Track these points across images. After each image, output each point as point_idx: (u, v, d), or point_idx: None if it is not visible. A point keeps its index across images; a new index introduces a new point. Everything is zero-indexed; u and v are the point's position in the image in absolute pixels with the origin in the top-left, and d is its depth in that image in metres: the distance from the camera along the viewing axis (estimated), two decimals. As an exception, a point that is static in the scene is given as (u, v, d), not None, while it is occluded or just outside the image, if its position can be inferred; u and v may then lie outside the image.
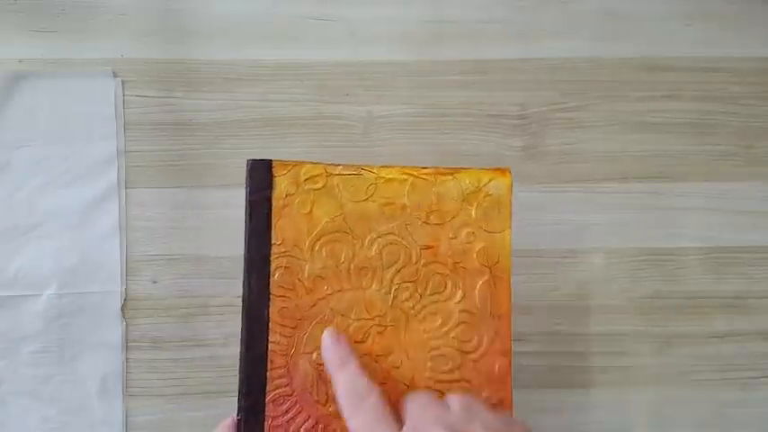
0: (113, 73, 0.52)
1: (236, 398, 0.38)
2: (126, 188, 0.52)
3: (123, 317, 0.51)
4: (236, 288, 0.51)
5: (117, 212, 0.51)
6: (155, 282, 0.51)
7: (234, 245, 0.51)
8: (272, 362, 0.38)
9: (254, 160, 0.39)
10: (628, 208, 0.53)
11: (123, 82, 0.52)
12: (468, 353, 0.39)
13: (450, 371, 0.39)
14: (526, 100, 0.54)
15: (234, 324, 0.51)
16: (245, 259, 0.38)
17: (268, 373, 0.38)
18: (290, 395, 0.38)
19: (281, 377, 0.38)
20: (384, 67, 0.53)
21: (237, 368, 0.38)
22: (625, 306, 0.53)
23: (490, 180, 0.41)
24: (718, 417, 0.52)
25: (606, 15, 0.55)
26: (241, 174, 0.52)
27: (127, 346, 0.51)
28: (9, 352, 0.50)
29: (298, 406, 0.38)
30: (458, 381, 0.39)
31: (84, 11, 0.53)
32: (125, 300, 0.51)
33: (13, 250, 0.51)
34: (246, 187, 0.39)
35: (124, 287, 0.51)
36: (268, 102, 0.53)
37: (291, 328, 0.38)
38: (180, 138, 0.52)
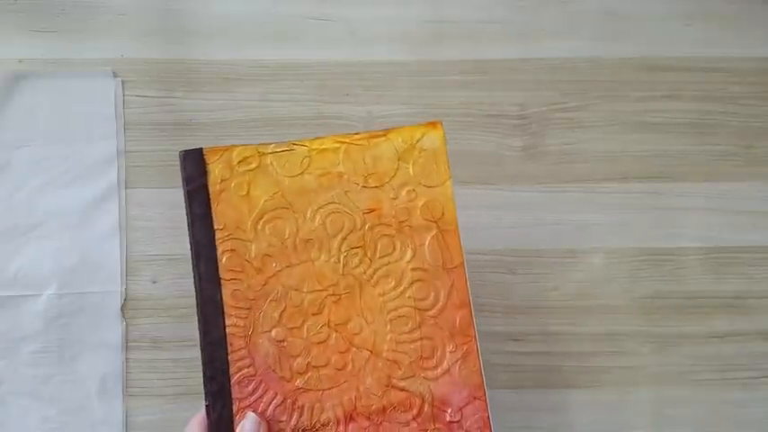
0: (113, 73, 0.52)
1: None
2: (126, 188, 0.52)
3: (123, 317, 0.51)
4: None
5: (117, 212, 0.51)
6: (155, 282, 0.51)
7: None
8: (231, 345, 0.38)
9: (185, 151, 0.40)
10: (628, 208, 0.53)
11: (123, 82, 0.52)
12: (426, 310, 0.39)
13: (411, 331, 0.39)
14: (526, 100, 0.54)
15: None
16: (191, 248, 0.39)
17: (229, 357, 0.38)
18: (254, 375, 0.38)
19: (242, 359, 0.38)
20: (384, 67, 0.53)
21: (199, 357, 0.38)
22: (625, 306, 0.53)
23: (423, 135, 0.40)
24: (718, 417, 0.52)
25: (606, 15, 0.55)
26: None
27: (127, 346, 0.51)
28: (9, 352, 0.50)
29: (263, 385, 0.38)
30: (419, 339, 0.39)
31: (84, 11, 0.53)
32: (125, 300, 0.51)
33: (13, 250, 0.51)
34: (182, 178, 0.39)
35: (124, 287, 0.51)
36: (268, 102, 0.53)
37: (246, 309, 0.39)
38: (180, 138, 0.52)
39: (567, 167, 0.53)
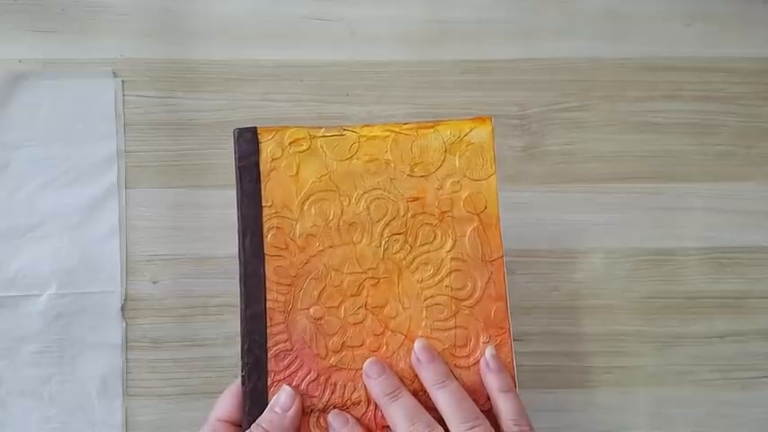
0: (113, 73, 0.52)
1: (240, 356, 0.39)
2: (126, 188, 0.52)
3: (123, 317, 0.51)
4: (236, 288, 0.51)
5: (117, 212, 0.51)
6: (155, 282, 0.51)
7: (234, 245, 0.51)
8: (270, 319, 0.39)
9: (240, 128, 0.40)
10: (628, 208, 0.53)
11: (123, 82, 0.52)
12: (462, 300, 0.40)
13: (446, 319, 0.40)
14: (526, 100, 0.54)
15: (233, 324, 0.51)
16: (239, 222, 0.40)
17: (268, 330, 0.39)
18: (290, 350, 0.39)
19: (280, 333, 0.39)
20: (384, 67, 0.53)
21: (239, 329, 0.39)
22: (625, 306, 0.53)
23: (471, 129, 0.41)
24: (718, 417, 0.52)
25: (606, 15, 0.55)
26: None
27: (127, 346, 0.51)
28: (9, 352, 0.50)
29: (299, 360, 0.39)
30: (453, 328, 0.39)
31: (84, 11, 0.53)
32: (125, 300, 0.51)
33: (13, 250, 0.51)
34: (234, 154, 0.40)
35: (124, 287, 0.51)
36: (268, 102, 0.53)
37: (287, 285, 0.39)
38: (180, 138, 0.52)
39: (567, 167, 0.53)
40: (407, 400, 0.38)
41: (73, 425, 0.50)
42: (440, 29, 0.54)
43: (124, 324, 0.51)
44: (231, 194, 0.51)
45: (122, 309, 0.51)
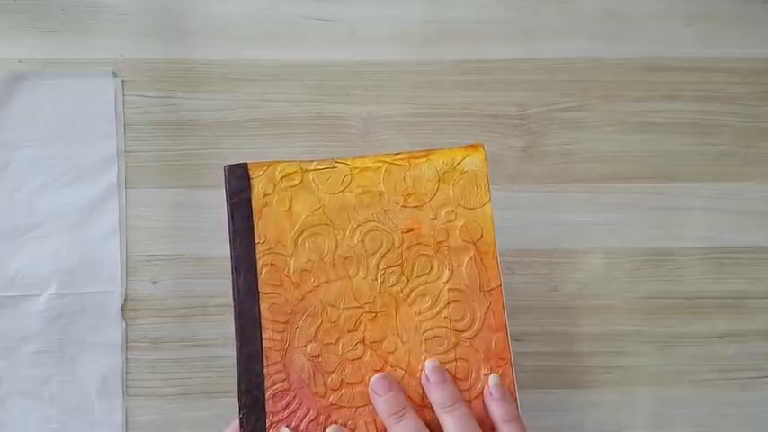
0: (113, 73, 0.52)
1: (236, 397, 0.38)
2: (126, 188, 0.52)
3: (123, 317, 0.51)
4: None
5: (117, 212, 0.51)
6: (155, 282, 0.51)
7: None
8: (267, 358, 0.38)
9: (230, 165, 0.40)
10: (628, 208, 0.53)
11: (123, 82, 0.52)
12: (461, 331, 0.39)
13: (446, 351, 0.39)
14: (526, 100, 0.54)
15: (233, 324, 0.51)
16: (232, 261, 0.39)
17: (265, 370, 0.38)
18: (289, 389, 0.38)
19: (277, 372, 0.38)
20: (384, 67, 0.53)
21: (235, 370, 0.38)
22: (625, 306, 0.53)
23: (464, 157, 0.41)
24: (718, 417, 0.52)
25: (606, 15, 0.55)
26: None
27: (127, 346, 0.51)
28: (9, 352, 0.50)
29: (297, 400, 0.38)
30: (454, 361, 0.39)
31: (84, 11, 0.53)
32: (125, 300, 0.51)
33: (13, 250, 0.51)
34: (226, 192, 0.40)
35: (124, 287, 0.51)
36: (268, 102, 0.53)
37: (283, 323, 0.39)
38: (180, 138, 0.52)
39: (567, 167, 0.53)
40: (412, 421, 0.37)
41: (73, 425, 0.50)
42: (439, 29, 0.54)
43: (124, 324, 0.51)
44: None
45: (122, 309, 0.51)
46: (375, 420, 0.38)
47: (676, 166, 0.54)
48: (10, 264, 0.51)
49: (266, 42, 0.53)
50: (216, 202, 0.52)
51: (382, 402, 0.38)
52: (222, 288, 0.51)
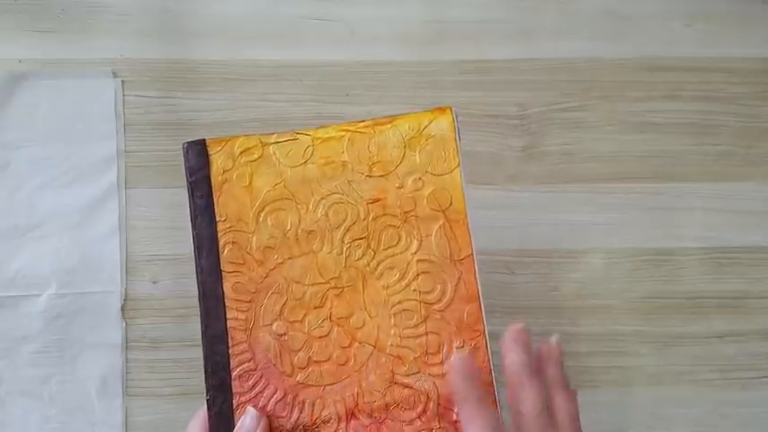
0: (113, 73, 0.52)
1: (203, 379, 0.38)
2: (126, 188, 0.52)
3: (123, 317, 0.51)
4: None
5: (117, 212, 0.51)
6: (155, 282, 0.51)
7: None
8: (232, 338, 0.38)
9: (188, 142, 0.39)
10: (628, 208, 0.53)
11: (123, 82, 0.52)
12: (432, 304, 0.38)
13: (416, 325, 0.38)
14: (526, 100, 0.54)
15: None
16: (194, 240, 0.38)
17: (230, 350, 0.38)
18: (255, 369, 0.38)
19: (243, 353, 0.38)
20: (384, 67, 0.53)
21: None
22: (625, 306, 0.53)
23: (430, 122, 0.39)
24: (717, 417, 0.52)
25: (606, 15, 0.55)
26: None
27: (127, 346, 0.51)
28: (9, 352, 0.50)
29: (264, 380, 0.38)
30: (424, 335, 0.38)
31: (84, 11, 0.53)
32: (125, 300, 0.51)
33: (13, 250, 0.51)
34: (185, 170, 0.39)
35: (124, 287, 0.51)
36: (268, 102, 0.53)
37: (247, 302, 0.38)
38: (180, 138, 0.52)
39: (567, 167, 0.53)
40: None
41: (73, 425, 0.50)
42: (439, 29, 0.54)
43: (124, 324, 0.51)
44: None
45: (122, 309, 0.51)
46: (344, 399, 0.37)
47: (676, 166, 0.54)
48: (10, 264, 0.51)
49: (266, 42, 0.53)
50: (216, 202, 0.52)
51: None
52: (222, 288, 0.51)
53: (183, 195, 0.51)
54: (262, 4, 0.53)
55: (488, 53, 0.54)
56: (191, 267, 0.51)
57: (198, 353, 0.51)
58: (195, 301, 0.51)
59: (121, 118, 0.52)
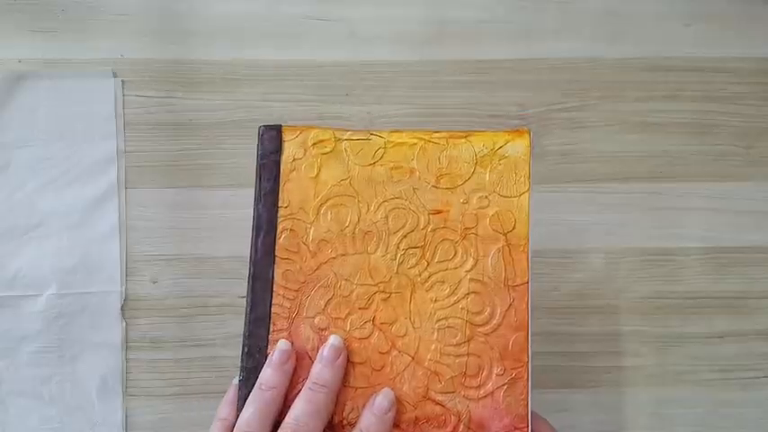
0: (113, 73, 0.52)
1: (239, 359, 0.38)
2: (126, 188, 0.52)
3: (123, 317, 0.51)
4: (236, 288, 0.51)
5: (117, 212, 0.51)
6: (155, 282, 0.51)
7: (234, 245, 0.51)
8: (274, 324, 0.38)
9: (265, 126, 0.39)
10: (628, 208, 0.53)
11: (123, 82, 0.52)
12: (478, 325, 0.37)
13: (458, 344, 0.37)
14: (526, 100, 0.54)
15: (233, 324, 0.51)
16: (254, 221, 0.38)
17: (270, 336, 0.38)
18: None
19: (282, 340, 0.38)
20: (384, 67, 0.53)
21: (242, 330, 0.38)
22: (625, 306, 0.53)
23: (506, 142, 0.39)
24: (718, 417, 0.52)
25: (606, 15, 0.55)
26: (241, 174, 0.52)
27: (127, 346, 0.51)
28: (9, 352, 0.50)
29: (297, 371, 0.37)
30: (466, 355, 0.37)
31: (84, 11, 0.53)
32: (125, 300, 0.51)
33: (13, 250, 0.51)
34: (258, 152, 0.39)
35: (124, 287, 0.51)
36: (268, 102, 0.53)
37: (294, 290, 0.38)
38: (180, 138, 0.52)
39: (566, 167, 0.53)
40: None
41: (73, 425, 0.50)
42: (439, 29, 0.54)
43: (124, 324, 0.51)
44: (231, 194, 0.52)
45: (122, 309, 0.51)
46: None
47: (677, 166, 0.54)
48: (10, 264, 0.51)
49: (267, 42, 0.53)
50: (216, 202, 0.52)
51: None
52: (222, 288, 0.51)
53: (183, 195, 0.52)
54: (262, 4, 0.53)
55: (488, 53, 0.54)
56: (191, 267, 0.52)
57: (198, 353, 0.51)
58: (195, 301, 0.51)
59: (121, 118, 0.52)
